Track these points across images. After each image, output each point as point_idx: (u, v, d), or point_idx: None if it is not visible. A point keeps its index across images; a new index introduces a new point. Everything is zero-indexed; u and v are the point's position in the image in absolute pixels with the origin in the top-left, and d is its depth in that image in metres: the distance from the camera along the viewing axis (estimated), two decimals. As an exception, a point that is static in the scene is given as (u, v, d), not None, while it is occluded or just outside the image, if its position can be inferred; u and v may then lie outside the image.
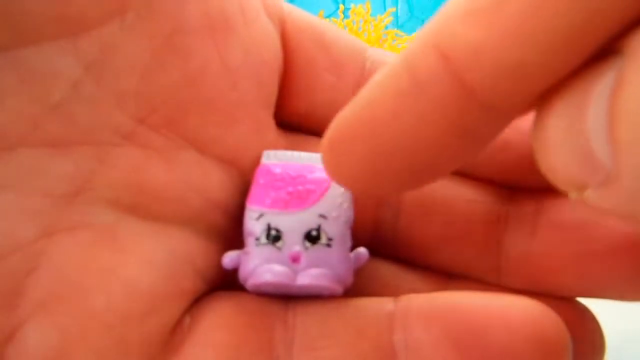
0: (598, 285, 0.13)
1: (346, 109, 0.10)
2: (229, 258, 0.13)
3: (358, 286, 0.13)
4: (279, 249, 0.13)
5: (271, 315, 0.13)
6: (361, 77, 0.15)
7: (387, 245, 0.15)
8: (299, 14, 0.15)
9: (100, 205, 0.12)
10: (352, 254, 0.13)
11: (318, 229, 0.13)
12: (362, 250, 0.14)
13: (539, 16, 0.08)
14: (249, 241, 0.13)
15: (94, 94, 0.12)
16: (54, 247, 0.11)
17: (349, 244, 0.13)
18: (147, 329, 0.12)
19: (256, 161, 0.14)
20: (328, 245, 0.13)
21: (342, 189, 0.13)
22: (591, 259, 0.13)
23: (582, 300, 0.14)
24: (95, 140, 0.12)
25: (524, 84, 0.08)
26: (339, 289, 0.13)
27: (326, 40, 0.15)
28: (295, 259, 0.13)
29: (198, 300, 0.13)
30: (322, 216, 0.13)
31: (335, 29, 0.16)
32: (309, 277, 0.13)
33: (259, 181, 0.13)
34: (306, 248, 0.13)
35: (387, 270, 0.15)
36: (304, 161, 0.14)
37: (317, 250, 0.13)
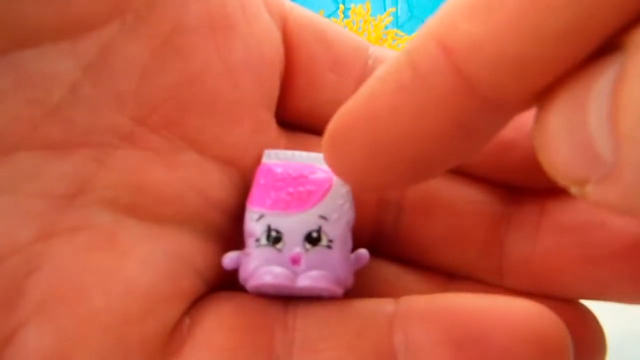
0: (600, 287, 0.13)
1: (348, 102, 0.10)
2: (229, 258, 0.13)
3: (358, 287, 0.13)
4: (280, 250, 0.13)
5: (271, 316, 0.13)
6: (363, 76, 0.15)
7: (388, 246, 0.15)
8: (300, 12, 0.15)
9: (99, 207, 0.12)
10: (352, 255, 0.13)
11: (319, 231, 0.13)
12: (362, 251, 0.13)
13: (539, 9, 0.08)
14: (249, 242, 0.13)
15: (93, 96, 0.12)
16: (53, 249, 0.11)
17: (349, 245, 0.13)
18: (147, 330, 0.12)
19: (257, 161, 0.14)
20: (329, 246, 0.13)
21: (343, 190, 0.13)
22: (594, 261, 0.13)
23: (583, 300, 0.14)
24: (94, 142, 0.12)
25: (524, 78, 0.08)
26: (339, 290, 0.13)
27: (328, 38, 0.15)
28: (295, 261, 0.13)
29: (198, 301, 0.13)
30: (323, 217, 0.13)
31: (337, 27, 0.16)
32: (309, 279, 0.12)
33: (259, 181, 0.13)
34: (306, 250, 0.13)
35: (388, 271, 0.15)
36: (305, 161, 0.14)
37: (318, 252, 0.13)
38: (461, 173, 0.15)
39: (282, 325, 0.12)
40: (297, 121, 0.15)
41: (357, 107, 0.10)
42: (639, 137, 0.07)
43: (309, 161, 0.14)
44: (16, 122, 0.11)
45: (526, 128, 0.12)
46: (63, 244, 0.11)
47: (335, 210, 0.13)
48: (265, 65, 0.14)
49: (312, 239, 0.13)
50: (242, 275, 0.13)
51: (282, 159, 0.14)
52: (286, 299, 0.13)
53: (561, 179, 0.09)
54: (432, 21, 0.09)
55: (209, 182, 0.13)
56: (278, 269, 0.12)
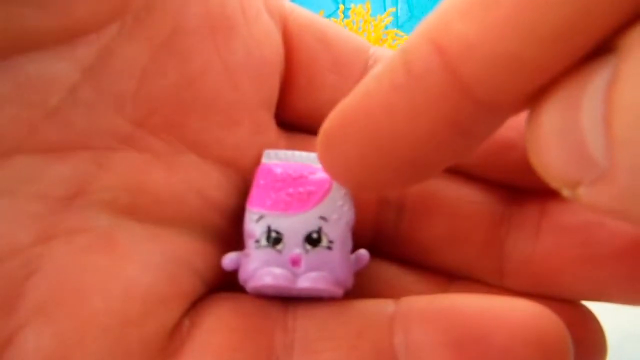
0: (601, 288, 0.13)
1: (344, 100, 0.10)
2: (229, 259, 0.13)
3: (359, 287, 0.13)
4: (279, 251, 0.13)
5: (271, 317, 0.13)
6: (364, 76, 0.15)
7: (389, 246, 0.15)
8: (300, 12, 0.15)
9: (99, 209, 0.12)
10: (352, 256, 0.13)
11: (319, 232, 0.13)
12: (363, 252, 0.13)
13: (532, 10, 0.08)
14: (249, 243, 0.13)
15: (92, 98, 0.12)
16: (53, 251, 0.11)
17: (349, 246, 0.13)
18: (146, 332, 0.12)
19: (256, 162, 0.14)
20: (329, 247, 0.13)
21: (343, 191, 0.13)
22: (594, 262, 0.13)
23: (583, 301, 0.14)
24: (93, 145, 0.12)
25: (517, 79, 0.08)
26: (339, 291, 0.13)
27: (328, 38, 0.15)
28: (295, 262, 0.13)
29: (197, 302, 0.13)
30: (323, 218, 0.13)
31: (338, 28, 0.16)
32: (309, 280, 0.12)
33: (259, 182, 0.13)
34: (307, 251, 0.13)
35: (388, 271, 0.15)
36: (305, 161, 0.14)
37: (318, 253, 0.13)
38: (461, 173, 0.15)
39: (282, 326, 0.12)
40: (297, 122, 0.15)
41: (351, 106, 0.10)
42: (633, 139, 0.07)
43: (309, 161, 0.14)
44: (15, 124, 0.11)
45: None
46: (62, 246, 0.11)
47: (335, 210, 0.13)
48: (265, 66, 0.14)
49: (312, 240, 0.13)
50: (242, 276, 0.13)
51: (282, 159, 0.14)
52: (286, 300, 0.13)
53: (553, 181, 0.09)
54: (427, 21, 0.09)
55: (209, 183, 0.13)
56: (278, 270, 0.12)
